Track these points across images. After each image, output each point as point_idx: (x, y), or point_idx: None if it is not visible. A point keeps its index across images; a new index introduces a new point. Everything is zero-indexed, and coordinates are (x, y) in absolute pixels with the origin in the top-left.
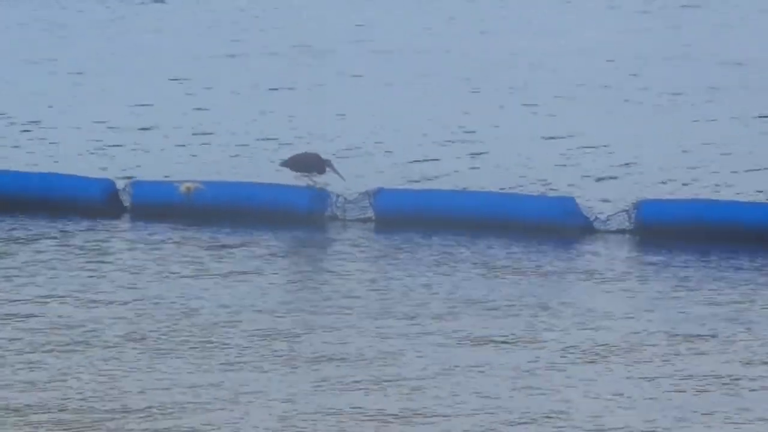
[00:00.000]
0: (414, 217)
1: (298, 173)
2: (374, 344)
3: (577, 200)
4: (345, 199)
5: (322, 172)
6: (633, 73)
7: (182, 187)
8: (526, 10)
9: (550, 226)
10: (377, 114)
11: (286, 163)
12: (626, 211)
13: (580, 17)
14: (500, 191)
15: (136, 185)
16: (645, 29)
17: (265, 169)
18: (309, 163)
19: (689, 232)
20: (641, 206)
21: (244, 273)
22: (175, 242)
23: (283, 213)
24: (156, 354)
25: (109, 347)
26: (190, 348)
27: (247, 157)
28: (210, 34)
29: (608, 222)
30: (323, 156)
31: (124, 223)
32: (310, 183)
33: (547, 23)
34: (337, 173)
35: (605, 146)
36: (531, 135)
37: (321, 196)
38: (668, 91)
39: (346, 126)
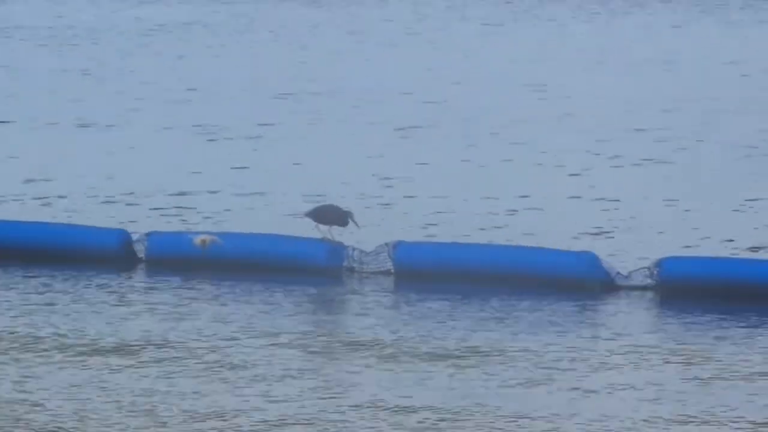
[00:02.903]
0: (434, 271)
1: (321, 225)
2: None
3: (599, 255)
4: (362, 251)
5: (344, 225)
6: (647, 127)
7: (197, 240)
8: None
9: (571, 280)
10: (391, 164)
11: (310, 214)
12: (648, 267)
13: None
14: (521, 245)
15: (151, 236)
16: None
17: (279, 220)
18: (333, 216)
19: (712, 290)
20: (663, 263)
21: (247, 328)
22: (175, 294)
23: (300, 266)
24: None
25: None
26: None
27: (262, 208)
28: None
29: (630, 278)
30: (343, 208)
31: (137, 274)
32: (327, 236)
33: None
34: (355, 224)
35: (625, 202)
36: (551, 190)
37: (338, 248)
38: (685, 145)
39: (358, 176)
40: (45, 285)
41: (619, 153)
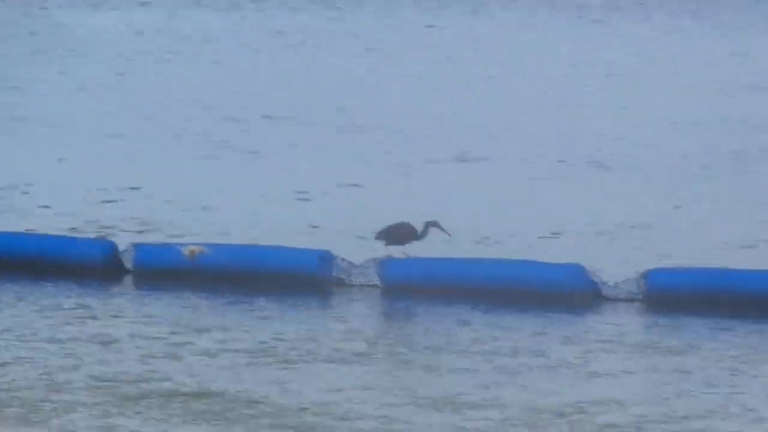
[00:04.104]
0: (421, 286)
1: (392, 246)
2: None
3: (586, 267)
4: (350, 263)
5: (419, 238)
6: (630, 136)
7: (186, 251)
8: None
9: (559, 292)
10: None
11: (381, 235)
12: (635, 278)
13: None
14: (508, 258)
15: (139, 248)
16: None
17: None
18: (403, 235)
19: (699, 301)
20: (650, 274)
21: (229, 338)
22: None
23: (289, 276)
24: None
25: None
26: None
27: (253, 219)
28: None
29: (617, 289)
30: (425, 219)
31: (122, 286)
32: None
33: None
34: (444, 231)
35: (611, 214)
36: (534, 203)
37: (327, 259)
38: (681, 158)
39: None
40: (28, 295)
41: (607, 162)
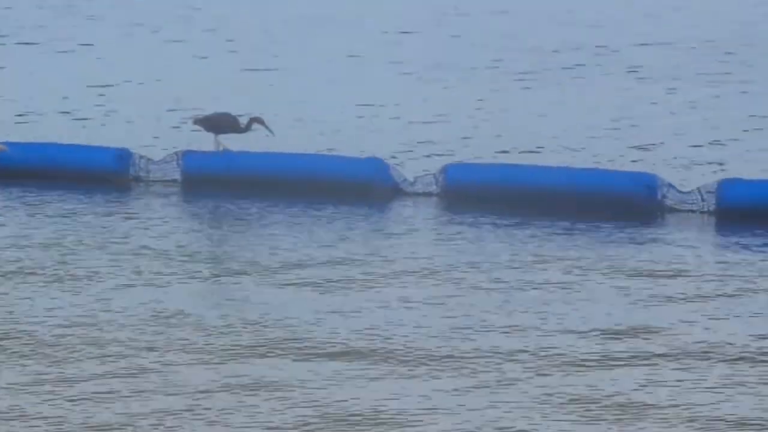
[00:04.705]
0: (222, 179)
1: (213, 134)
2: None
3: (386, 162)
4: (149, 159)
5: (240, 131)
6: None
7: None
8: None
9: (359, 186)
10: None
11: (200, 122)
12: (434, 173)
13: None
14: (308, 153)
15: None
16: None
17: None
18: (222, 125)
19: (495, 196)
20: (447, 169)
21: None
22: None
23: (87, 173)
24: None
25: None
26: None
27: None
28: None
29: (415, 184)
30: (253, 115)
31: None
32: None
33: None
34: (268, 128)
35: (414, 111)
36: (343, 100)
37: (125, 156)
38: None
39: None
40: None
41: (404, 59)
